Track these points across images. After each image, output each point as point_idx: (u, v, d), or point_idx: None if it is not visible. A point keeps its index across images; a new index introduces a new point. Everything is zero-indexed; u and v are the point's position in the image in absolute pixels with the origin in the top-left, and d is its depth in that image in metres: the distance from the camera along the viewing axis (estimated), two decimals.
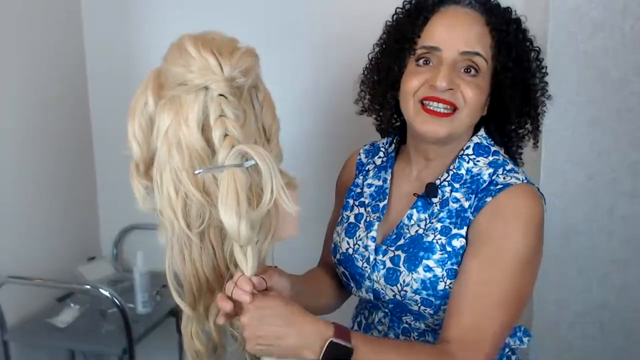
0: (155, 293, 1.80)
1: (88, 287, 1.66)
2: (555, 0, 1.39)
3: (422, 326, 0.95)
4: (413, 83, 0.88)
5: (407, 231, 0.93)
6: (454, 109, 0.86)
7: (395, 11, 0.96)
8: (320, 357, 0.75)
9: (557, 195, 1.47)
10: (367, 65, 1.01)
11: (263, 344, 0.76)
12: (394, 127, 1.03)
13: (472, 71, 0.86)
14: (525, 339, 0.97)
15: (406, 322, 0.96)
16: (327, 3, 1.73)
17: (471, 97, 0.86)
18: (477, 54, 0.85)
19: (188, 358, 0.90)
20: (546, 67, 0.95)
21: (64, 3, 1.89)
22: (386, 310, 0.98)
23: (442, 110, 0.86)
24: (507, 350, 0.98)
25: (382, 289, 0.93)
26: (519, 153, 1.01)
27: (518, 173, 0.90)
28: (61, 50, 1.88)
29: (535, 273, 0.87)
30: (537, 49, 0.94)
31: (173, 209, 0.78)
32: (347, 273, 1.00)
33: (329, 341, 0.74)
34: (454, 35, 0.86)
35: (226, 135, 0.74)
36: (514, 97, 0.90)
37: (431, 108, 0.86)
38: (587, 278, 1.49)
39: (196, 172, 0.76)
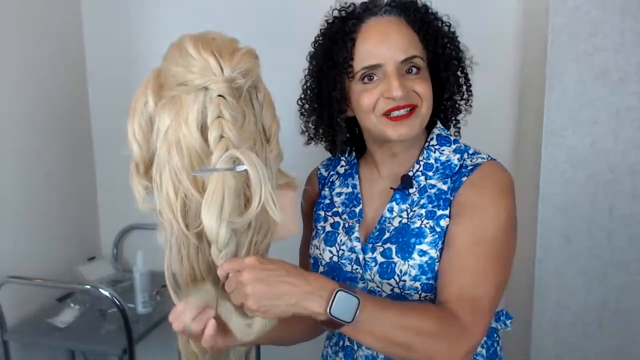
0: (155, 293, 1.80)
1: (88, 287, 1.66)
2: (555, 1, 1.39)
3: None
4: (368, 101, 0.91)
5: (389, 224, 0.95)
6: (413, 107, 0.91)
7: (316, 40, 1.00)
8: (329, 308, 0.74)
9: (557, 195, 1.47)
10: (303, 96, 1.03)
11: (267, 303, 0.74)
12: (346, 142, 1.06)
13: (414, 70, 0.91)
14: (508, 322, 1.01)
15: None
16: (328, 3, 1.73)
17: (424, 91, 0.91)
18: (415, 56, 0.90)
19: (183, 359, 0.90)
20: (455, 32, 1.00)
21: (64, 3, 1.89)
22: None
23: (404, 113, 0.90)
24: (495, 335, 1.01)
25: (378, 286, 0.93)
26: (457, 127, 1.05)
27: (481, 154, 0.96)
28: (61, 50, 1.88)
29: (516, 236, 0.92)
30: (448, 24, 0.98)
31: (172, 209, 0.78)
32: None
33: (336, 290, 0.74)
34: (389, 47, 0.89)
35: (222, 137, 0.75)
36: (451, 73, 0.97)
37: (395, 115, 0.90)
38: (587, 278, 1.49)
39: (192, 172, 0.76)
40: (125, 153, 0.84)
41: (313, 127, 1.02)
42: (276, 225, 0.83)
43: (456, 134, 1.04)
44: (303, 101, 1.03)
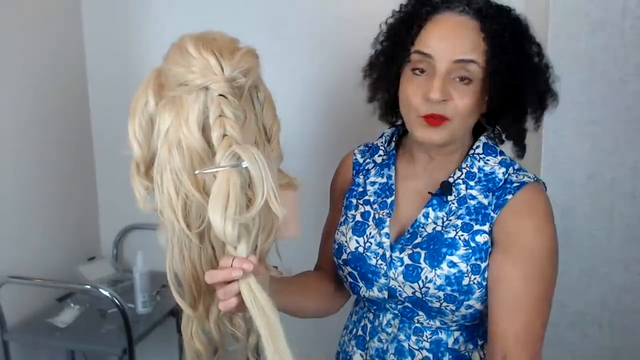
0: (155, 293, 1.80)
1: (88, 287, 1.66)
2: (555, 1, 1.39)
3: (437, 324, 0.94)
4: (409, 93, 0.88)
5: (423, 229, 0.93)
6: (445, 119, 0.87)
7: (392, 14, 0.96)
8: None
9: (557, 195, 1.46)
10: (368, 62, 1.00)
11: None
12: (392, 121, 1.03)
13: (466, 80, 0.86)
14: None
15: (418, 322, 0.95)
16: (329, 2, 1.73)
17: (464, 106, 0.86)
18: (472, 61, 0.85)
19: (187, 358, 0.90)
20: (547, 64, 0.96)
21: (64, 3, 1.89)
22: (395, 312, 0.97)
23: (435, 119, 0.87)
24: None
25: (399, 286, 0.92)
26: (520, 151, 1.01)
27: (527, 172, 0.94)
28: (61, 51, 1.88)
29: (558, 265, 0.92)
30: (538, 44, 0.94)
31: (173, 210, 0.78)
32: (355, 273, 0.98)
33: None
34: (448, 44, 0.85)
35: (225, 135, 0.74)
36: (507, 97, 0.90)
37: (430, 118, 0.87)
38: (587, 278, 1.49)
39: (195, 172, 0.76)
40: (125, 153, 0.84)
41: (370, 89, 1.00)
42: (279, 225, 0.83)
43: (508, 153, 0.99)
44: (368, 65, 1.00)
